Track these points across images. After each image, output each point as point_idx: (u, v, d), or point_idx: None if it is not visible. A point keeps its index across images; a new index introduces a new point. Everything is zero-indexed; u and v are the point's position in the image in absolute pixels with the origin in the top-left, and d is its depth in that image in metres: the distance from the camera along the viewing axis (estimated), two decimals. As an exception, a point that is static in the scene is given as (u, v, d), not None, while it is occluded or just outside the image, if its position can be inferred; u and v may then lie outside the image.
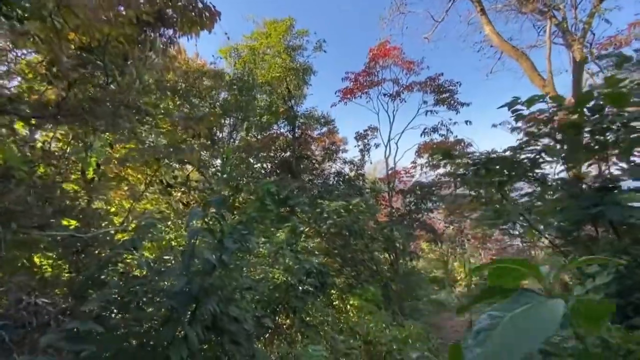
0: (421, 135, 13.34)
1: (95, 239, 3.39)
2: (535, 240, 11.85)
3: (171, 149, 3.98)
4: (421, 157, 13.66)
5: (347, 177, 12.40)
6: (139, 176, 4.54)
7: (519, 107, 4.24)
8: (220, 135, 9.65)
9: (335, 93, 13.00)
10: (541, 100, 3.93)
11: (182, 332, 1.97)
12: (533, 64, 8.04)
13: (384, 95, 12.96)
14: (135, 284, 2.36)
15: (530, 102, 3.85)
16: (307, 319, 5.50)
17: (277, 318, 4.78)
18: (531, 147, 4.03)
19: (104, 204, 4.20)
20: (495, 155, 4.39)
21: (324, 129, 14.11)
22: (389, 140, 13.04)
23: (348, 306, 7.52)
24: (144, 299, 2.36)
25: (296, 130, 12.64)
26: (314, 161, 12.62)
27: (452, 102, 12.94)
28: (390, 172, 12.79)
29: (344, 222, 8.13)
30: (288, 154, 12.54)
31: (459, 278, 22.78)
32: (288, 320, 5.29)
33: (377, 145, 13.72)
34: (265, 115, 13.70)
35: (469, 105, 12.90)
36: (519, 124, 4.58)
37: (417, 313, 10.05)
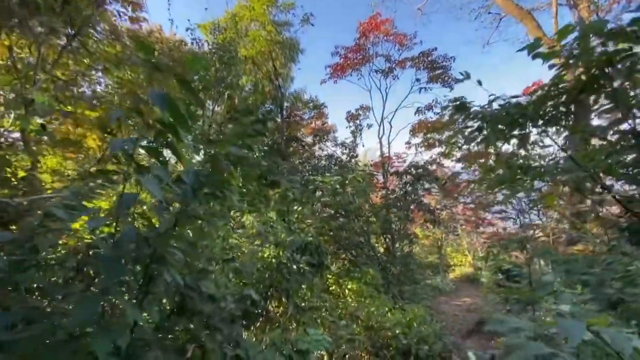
0: (415, 113, 12.80)
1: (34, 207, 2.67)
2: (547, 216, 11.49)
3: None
4: (416, 137, 13.13)
5: (338, 160, 11.76)
6: (95, 139, 3.76)
7: (540, 50, 3.64)
8: (201, 113, 8.82)
9: (325, 68, 12.27)
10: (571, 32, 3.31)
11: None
12: (539, 23, 7.52)
13: (376, 71, 12.31)
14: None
15: (563, 33, 3.22)
16: (303, 304, 4.87)
17: (268, 303, 4.13)
18: (563, 85, 3.39)
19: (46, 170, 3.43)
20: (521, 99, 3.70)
21: (313, 113, 13.40)
22: (382, 120, 12.45)
23: (346, 291, 6.94)
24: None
25: (284, 112, 11.88)
26: (303, 144, 11.91)
27: (446, 78, 12.39)
28: (384, 154, 12.22)
29: (339, 201, 7.50)
30: (276, 136, 11.79)
31: (452, 264, 22.67)
32: (281, 307, 4.65)
33: (369, 126, 13.12)
34: (251, 97, 12.88)
35: (463, 81, 12.34)
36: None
37: (416, 297, 9.59)
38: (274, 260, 4.18)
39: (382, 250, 10.96)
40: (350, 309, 5.86)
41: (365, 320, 5.63)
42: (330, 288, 7.17)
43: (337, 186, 6.78)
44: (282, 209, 4.69)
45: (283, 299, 4.59)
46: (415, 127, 12.85)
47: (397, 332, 5.49)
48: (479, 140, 4.31)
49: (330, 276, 7.31)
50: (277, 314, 4.62)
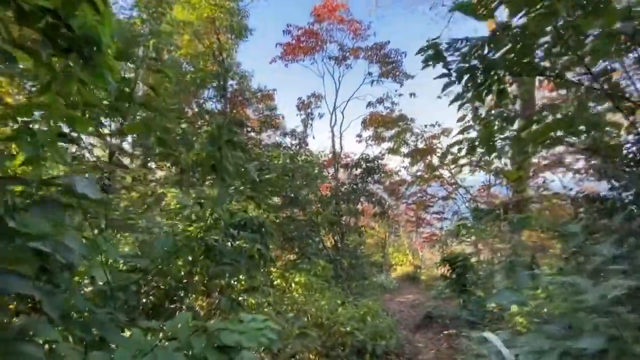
0: (367, 106, 12.56)
1: None
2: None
3: None
4: (367, 130, 12.87)
5: (287, 148, 10.87)
6: None
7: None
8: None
9: (276, 46, 11.34)
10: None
11: None
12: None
13: (329, 58, 11.79)
14: None
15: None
16: (240, 297, 3.85)
17: (187, 294, 3.04)
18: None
19: None
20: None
21: (259, 96, 12.32)
22: (334, 108, 11.94)
23: (292, 285, 6.04)
24: None
25: (227, 92, 10.62)
26: (249, 129, 10.76)
27: (397, 73, 12.39)
28: (335, 144, 11.68)
29: (290, 185, 6.61)
30: (218, 119, 10.44)
31: (394, 263, 23.17)
32: (204, 301, 3.57)
33: (321, 115, 12.49)
34: (190, 75, 11.34)
35: (413, 77, 12.51)
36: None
37: (366, 292, 9.07)
38: (195, 239, 3.10)
39: (330, 244, 10.31)
40: (299, 303, 4.97)
41: (314, 315, 4.79)
42: (275, 282, 6.19)
43: (288, 161, 5.90)
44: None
45: (208, 290, 3.53)
46: (366, 120, 12.61)
47: (351, 327, 4.76)
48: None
49: (274, 270, 6.34)
50: (204, 309, 3.53)
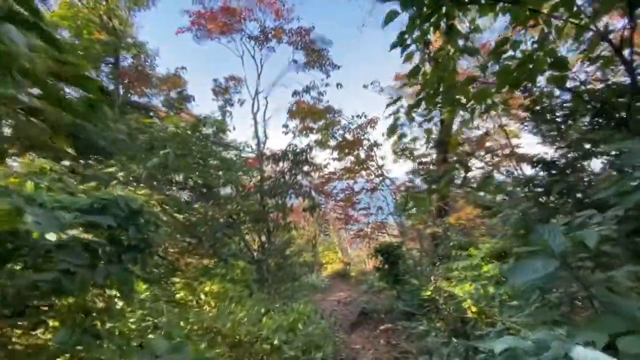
0: (293, 95, 11.68)
1: None
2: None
3: None
4: (293, 120, 12.00)
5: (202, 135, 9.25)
6: None
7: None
8: None
9: (183, 14, 9.57)
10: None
11: None
12: None
13: (250, 38, 10.56)
14: None
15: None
16: (98, 324, 2.48)
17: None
18: None
19: None
20: None
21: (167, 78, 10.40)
22: (256, 93, 10.72)
23: (203, 296, 4.70)
24: None
25: (119, 65, 8.54)
26: (151, 111, 8.83)
27: (324, 62, 11.86)
28: (258, 132, 10.46)
29: (199, 170, 5.25)
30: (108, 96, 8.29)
31: (324, 262, 22.86)
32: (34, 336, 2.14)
33: (242, 102, 11.13)
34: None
35: (339, 68, 12.13)
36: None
37: (297, 295, 8.11)
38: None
39: (255, 244, 9.08)
40: (207, 320, 3.70)
41: (229, 334, 3.60)
42: (178, 295, 4.76)
43: (189, 132, 4.55)
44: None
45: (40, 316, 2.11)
46: (292, 109, 11.74)
47: (278, 341, 3.71)
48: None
49: (177, 280, 4.90)
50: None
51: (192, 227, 6.04)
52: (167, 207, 4.94)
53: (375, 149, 11.92)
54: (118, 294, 2.82)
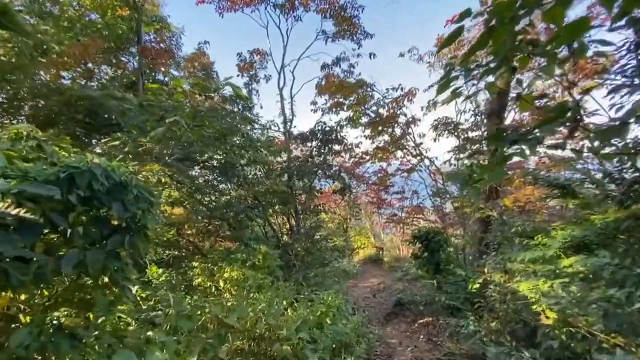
0: (322, 69, 10.83)
1: None
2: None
3: None
4: (322, 96, 11.19)
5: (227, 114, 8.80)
6: None
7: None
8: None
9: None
10: None
11: None
12: None
13: (274, 6, 9.78)
14: None
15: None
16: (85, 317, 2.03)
17: None
18: None
19: None
20: None
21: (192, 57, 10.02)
22: (282, 67, 10.03)
23: (222, 283, 4.26)
24: None
25: (141, 40, 8.23)
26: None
27: (355, 31, 10.80)
28: (285, 108, 9.82)
29: (217, 148, 4.76)
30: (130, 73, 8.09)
31: (355, 247, 22.33)
32: None
33: (268, 78, 10.51)
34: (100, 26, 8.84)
35: (372, 37, 11.01)
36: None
37: (326, 282, 7.59)
38: None
39: (283, 227, 8.64)
40: (222, 311, 3.21)
41: (245, 328, 3.09)
42: (196, 281, 4.38)
43: (198, 95, 3.99)
44: None
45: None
46: (321, 84, 10.91)
47: (300, 339, 3.15)
48: None
49: (195, 264, 4.51)
50: None
51: (215, 209, 5.64)
52: (181, 184, 4.51)
53: (412, 125, 10.81)
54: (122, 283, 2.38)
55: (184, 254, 5.17)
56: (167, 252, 5.33)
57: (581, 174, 4.05)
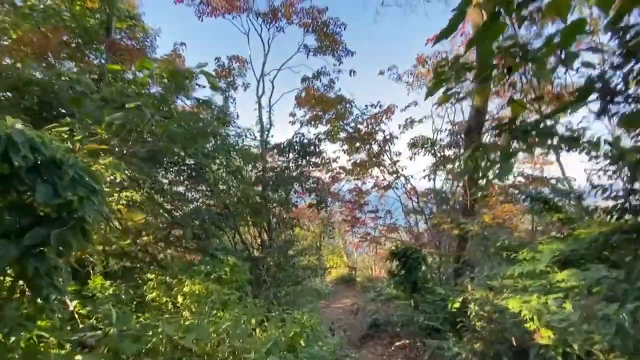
0: (302, 81, 10.73)
1: None
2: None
3: None
4: (300, 108, 11.03)
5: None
6: None
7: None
8: None
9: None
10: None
11: None
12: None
13: (257, 15, 9.66)
14: None
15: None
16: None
17: None
18: None
19: None
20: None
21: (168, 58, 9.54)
22: (262, 75, 9.79)
23: (180, 298, 3.69)
24: None
25: (112, 34, 7.69)
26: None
27: (336, 47, 10.90)
28: (262, 117, 9.49)
29: (182, 146, 4.31)
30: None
31: (328, 266, 21.80)
32: None
33: (246, 87, 10.19)
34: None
35: (353, 54, 11.16)
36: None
37: (299, 300, 7.07)
38: None
39: (253, 241, 8.11)
40: (177, 332, 2.68)
41: (206, 350, 2.58)
42: (150, 295, 3.77)
43: (166, 81, 3.57)
44: None
45: None
46: (300, 96, 10.78)
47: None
48: None
49: (151, 275, 3.92)
50: None
51: (181, 217, 5.07)
52: (141, 186, 3.97)
53: (389, 143, 10.86)
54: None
55: (138, 265, 4.52)
56: (120, 262, 4.66)
57: (559, 191, 4.05)
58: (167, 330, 2.46)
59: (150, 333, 2.64)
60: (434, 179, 8.93)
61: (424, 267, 7.73)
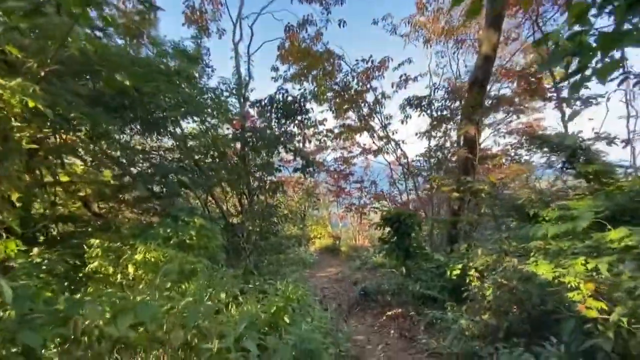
0: (285, 30, 9.48)
1: None
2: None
3: None
4: (283, 63, 9.88)
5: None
6: None
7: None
8: None
9: None
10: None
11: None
12: None
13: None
14: None
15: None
16: None
17: None
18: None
19: None
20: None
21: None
22: (239, 18, 8.49)
23: (131, 268, 2.91)
24: None
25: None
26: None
27: (324, -7, 9.60)
28: (240, 66, 8.33)
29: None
30: None
31: (312, 236, 21.50)
32: None
33: (221, 33, 8.88)
34: None
35: (343, 3, 9.90)
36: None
37: (284, 269, 6.47)
38: None
39: (232, 206, 7.35)
40: (112, 310, 1.90)
41: (156, 335, 1.85)
42: (92, 265, 2.97)
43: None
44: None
45: None
46: (284, 47, 9.59)
47: (244, 351, 2.00)
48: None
49: (96, 241, 3.09)
50: None
51: (130, 165, 4.16)
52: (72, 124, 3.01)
53: (382, 101, 10.01)
54: None
55: (84, 229, 3.67)
56: (60, 226, 3.80)
57: (595, 139, 3.43)
58: (88, 312, 1.69)
59: (80, 314, 1.87)
60: (430, 140, 8.26)
61: (416, 234, 7.27)
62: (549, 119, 14.81)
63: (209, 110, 5.86)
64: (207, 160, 5.82)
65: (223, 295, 2.68)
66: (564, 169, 3.66)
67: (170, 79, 4.23)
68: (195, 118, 5.38)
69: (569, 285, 2.23)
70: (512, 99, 6.76)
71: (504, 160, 6.18)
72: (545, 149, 3.75)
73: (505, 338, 3.27)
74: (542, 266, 2.64)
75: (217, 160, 6.11)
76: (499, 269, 3.11)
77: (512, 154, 6.28)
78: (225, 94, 7.17)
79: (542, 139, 3.69)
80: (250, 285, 3.83)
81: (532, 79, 6.07)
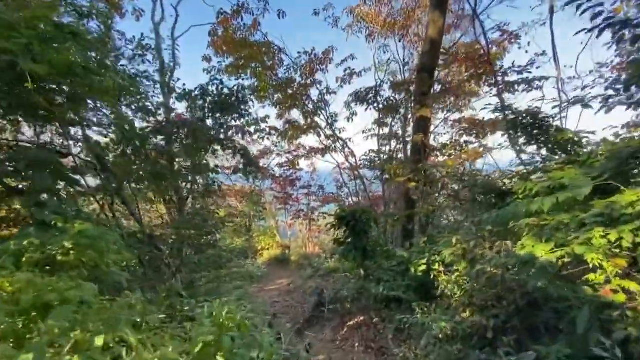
0: (217, 16, 8.46)
1: None
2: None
3: None
4: (217, 54, 8.81)
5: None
6: None
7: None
8: None
9: None
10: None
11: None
12: None
13: None
14: None
15: None
16: None
17: None
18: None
19: None
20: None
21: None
22: (159, -6, 7.26)
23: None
24: None
25: None
26: None
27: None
28: (160, 45, 7.04)
29: None
30: None
31: (260, 248, 20.17)
32: None
33: (139, 14, 7.50)
34: None
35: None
36: None
37: (225, 287, 5.39)
38: None
39: (152, 215, 6.04)
40: None
41: None
42: None
43: None
44: None
45: None
46: (216, 34, 8.53)
47: None
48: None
49: None
50: None
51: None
52: None
53: (325, 104, 9.52)
54: None
55: None
56: None
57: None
58: None
59: None
60: (378, 134, 7.94)
61: (373, 231, 6.79)
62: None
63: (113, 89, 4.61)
64: (114, 158, 4.53)
65: (115, 337, 1.66)
66: (529, 143, 3.42)
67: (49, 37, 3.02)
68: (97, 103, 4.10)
69: (591, 265, 1.75)
70: (461, 83, 6.74)
71: (453, 152, 6.05)
72: (507, 125, 3.46)
73: (493, 338, 2.78)
74: (539, 246, 2.16)
75: (132, 157, 4.84)
76: (486, 257, 2.61)
77: (462, 142, 6.24)
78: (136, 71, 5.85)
79: (503, 109, 3.39)
80: (176, 312, 2.79)
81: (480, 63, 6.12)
